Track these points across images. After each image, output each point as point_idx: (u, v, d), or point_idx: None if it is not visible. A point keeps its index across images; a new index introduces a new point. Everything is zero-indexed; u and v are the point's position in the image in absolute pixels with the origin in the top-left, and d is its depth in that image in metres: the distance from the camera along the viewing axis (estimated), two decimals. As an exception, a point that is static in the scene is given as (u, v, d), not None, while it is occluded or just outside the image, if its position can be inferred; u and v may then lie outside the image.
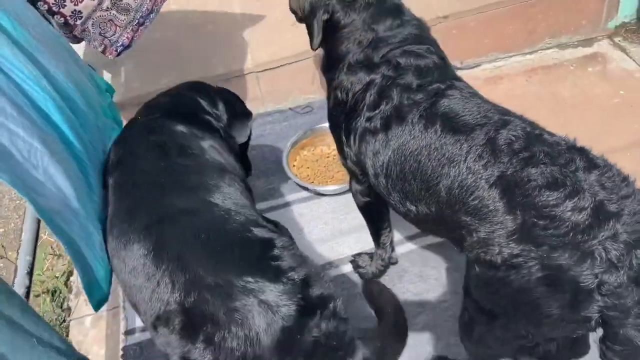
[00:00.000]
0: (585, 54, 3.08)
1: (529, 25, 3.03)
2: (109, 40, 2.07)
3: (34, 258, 1.90)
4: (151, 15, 2.24)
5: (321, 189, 2.43)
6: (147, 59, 2.90)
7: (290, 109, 2.93)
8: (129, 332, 2.11)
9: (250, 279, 1.27)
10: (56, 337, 1.42)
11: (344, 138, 1.73)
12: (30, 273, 1.83)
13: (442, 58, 1.68)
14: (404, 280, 2.11)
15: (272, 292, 1.27)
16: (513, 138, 1.36)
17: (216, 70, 2.77)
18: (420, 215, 1.54)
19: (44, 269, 2.49)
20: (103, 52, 2.18)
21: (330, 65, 1.78)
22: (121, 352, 2.06)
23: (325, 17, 1.70)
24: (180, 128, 1.76)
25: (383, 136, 1.56)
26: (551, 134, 1.40)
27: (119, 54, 2.18)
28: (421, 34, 1.70)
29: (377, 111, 1.58)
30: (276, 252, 1.38)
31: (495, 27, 2.99)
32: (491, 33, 3.01)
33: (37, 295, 2.34)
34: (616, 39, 3.14)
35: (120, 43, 2.14)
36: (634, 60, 3.00)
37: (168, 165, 1.62)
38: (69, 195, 1.40)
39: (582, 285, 1.17)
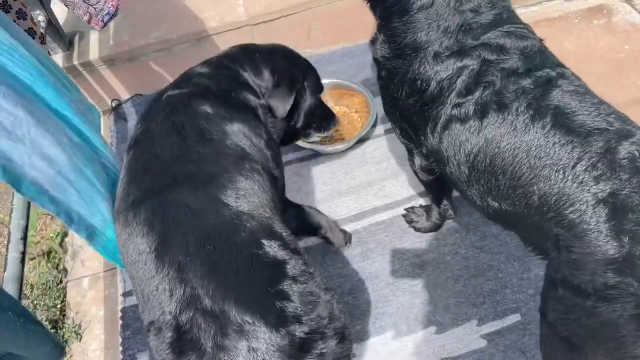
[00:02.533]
0: (590, 6, 2.98)
1: (534, -24, 2.92)
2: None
3: (27, 222, 1.85)
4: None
5: (319, 148, 2.38)
6: (136, 11, 2.77)
7: (286, 64, 2.83)
8: (127, 294, 2.10)
9: (248, 319, 1.16)
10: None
11: (418, 126, 1.57)
12: (24, 238, 1.79)
13: (540, 40, 1.48)
14: (404, 241, 2.09)
15: (265, 342, 1.15)
16: (637, 154, 1.18)
17: (209, 24, 2.66)
18: (500, 213, 1.41)
19: (38, 229, 2.46)
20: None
21: (398, 54, 1.53)
22: (120, 314, 2.06)
23: None
24: (206, 108, 1.60)
25: (476, 123, 1.38)
26: None
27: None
28: (512, 13, 1.51)
29: (470, 97, 1.39)
30: (285, 285, 1.24)
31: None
32: (494, -16, 2.89)
33: (32, 258, 2.32)
34: (623, -9, 3.04)
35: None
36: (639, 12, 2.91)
37: (183, 153, 1.48)
38: (62, 164, 1.34)
39: None
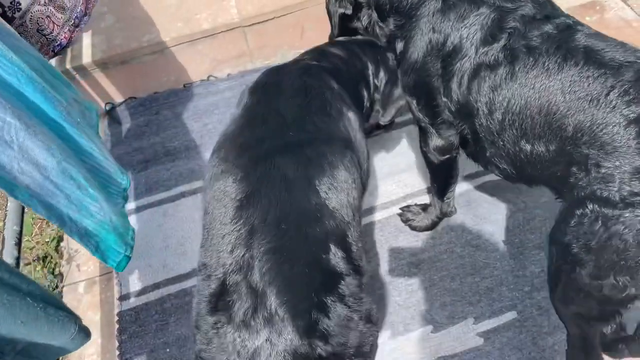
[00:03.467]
0: (582, 3, 2.98)
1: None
2: (46, 38, 1.98)
3: (21, 228, 1.85)
4: (85, 18, 2.19)
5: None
6: (128, 14, 2.76)
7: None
8: (123, 298, 2.09)
9: (280, 313, 1.16)
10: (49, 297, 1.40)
11: (440, 88, 1.62)
12: (18, 244, 1.78)
13: None
14: (400, 240, 2.09)
15: (285, 342, 1.15)
16: None
17: (202, 26, 2.65)
18: (533, 155, 1.49)
19: (33, 234, 2.45)
20: (39, 50, 2.08)
21: (399, 10, 1.65)
22: (116, 318, 2.05)
23: None
24: (333, 85, 1.62)
25: (507, 68, 1.47)
26: None
27: (55, 54, 2.08)
28: None
29: (496, 44, 1.48)
30: (330, 300, 1.22)
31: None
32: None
33: (28, 264, 2.31)
34: (615, -13, 3.04)
35: (58, 42, 2.06)
36: (632, 9, 2.91)
37: (302, 119, 1.49)
38: (52, 169, 1.34)
39: None
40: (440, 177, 1.95)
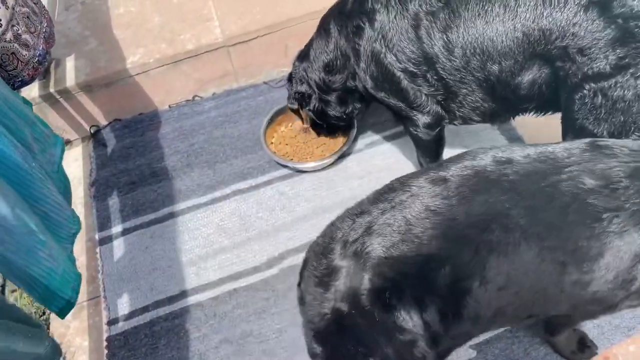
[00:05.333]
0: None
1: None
2: (8, 74, 1.98)
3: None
4: (47, 56, 2.26)
5: (301, 166, 2.38)
6: (112, 36, 2.76)
7: (264, 82, 2.84)
8: (111, 322, 2.06)
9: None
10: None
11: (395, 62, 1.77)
12: (2, 271, 1.75)
13: None
14: (389, 254, 2.09)
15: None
16: None
17: (186, 46, 2.65)
18: (503, 74, 1.62)
19: (19, 261, 2.41)
20: None
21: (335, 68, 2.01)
22: (105, 343, 2.02)
23: None
24: None
25: (447, 10, 1.62)
26: None
27: (15, 89, 2.07)
28: None
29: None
30: None
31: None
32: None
33: (14, 290, 2.27)
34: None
35: (20, 79, 2.07)
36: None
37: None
38: (6, 215, 1.31)
39: None
40: (432, 151, 2.07)
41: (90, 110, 2.70)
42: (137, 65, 2.62)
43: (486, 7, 1.57)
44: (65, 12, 2.94)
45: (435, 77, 1.75)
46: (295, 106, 2.25)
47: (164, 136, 2.64)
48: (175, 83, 2.75)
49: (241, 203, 2.33)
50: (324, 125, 2.33)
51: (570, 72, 1.48)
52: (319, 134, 2.44)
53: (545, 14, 1.49)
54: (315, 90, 2.11)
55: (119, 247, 2.27)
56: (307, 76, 2.10)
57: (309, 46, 2.09)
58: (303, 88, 2.15)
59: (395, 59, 1.76)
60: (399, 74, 1.78)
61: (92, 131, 2.72)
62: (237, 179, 2.42)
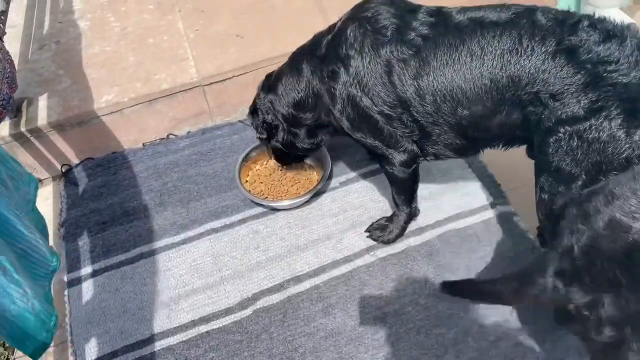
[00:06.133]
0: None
1: None
2: None
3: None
4: (11, 100, 2.32)
5: (276, 204, 2.37)
6: (86, 75, 2.76)
7: (240, 121, 2.86)
8: (78, 368, 1.99)
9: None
10: None
11: (372, 104, 1.79)
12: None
13: None
14: (364, 293, 2.07)
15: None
16: (551, 16, 1.55)
17: (161, 86, 2.67)
18: (473, 117, 1.66)
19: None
20: None
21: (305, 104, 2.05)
22: (71, 391, 1.94)
23: None
24: None
25: (417, 58, 1.67)
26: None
27: None
28: None
29: (392, 39, 1.71)
30: None
31: None
32: None
33: (-25, 336, 2.18)
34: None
35: None
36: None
37: None
38: None
39: None
40: (408, 187, 2.10)
41: (62, 149, 2.67)
42: (111, 104, 2.61)
43: (454, 56, 1.62)
44: (39, 51, 2.94)
45: (410, 119, 1.79)
46: (265, 135, 2.24)
47: (137, 175, 2.62)
48: (149, 121, 2.75)
49: (215, 242, 2.30)
50: (290, 156, 2.35)
51: (544, 116, 1.51)
52: (284, 165, 2.46)
53: (512, 62, 1.54)
54: (283, 122, 2.13)
55: (87, 289, 2.20)
56: (275, 109, 2.12)
57: (277, 80, 2.11)
58: (270, 118, 2.16)
59: (371, 102, 1.80)
60: (376, 116, 1.82)
61: (63, 170, 2.68)
62: (211, 217, 2.40)
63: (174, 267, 2.23)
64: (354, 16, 1.83)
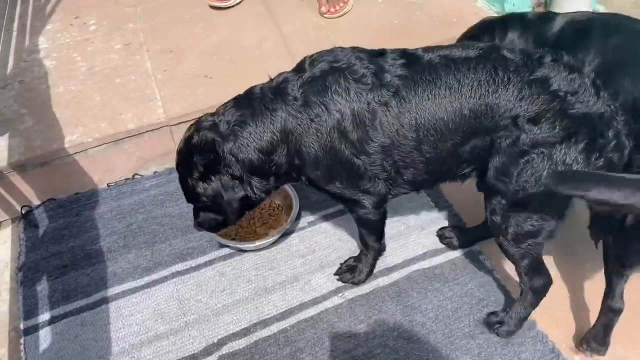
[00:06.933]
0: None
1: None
2: None
3: None
4: None
5: (243, 245, 2.34)
6: (50, 114, 2.72)
7: (207, 161, 2.83)
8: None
9: None
10: None
11: (353, 152, 1.78)
12: None
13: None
14: (333, 336, 2.04)
15: None
16: (517, 51, 1.68)
17: (127, 125, 2.64)
18: (452, 145, 1.72)
19: None
20: None
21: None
22: None
23: None
24: None
25: (397, 98, 1.70)
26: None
27: None
28: None
29: (371, 86, 1.71)
30: None
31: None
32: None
33: None
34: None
35: None
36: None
37: None
38: None
39: None
40: (379, 227, 2.11)
41: (22, 190, 2.59)
42: (75, 144, 2.57)
43: (433, 91, 1.67)
44: (1, 91, 2.90)
45: (390, 162, 1.80)
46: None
47: (101, 216, 2.56)
48: (115, 161, 2.71)
49: (179, 285, 2.25)
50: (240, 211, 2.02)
51: (520, 139, 1.60)
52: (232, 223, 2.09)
53: (490, 91, 1.63)
54: (246, 172, 1.86)
55: (45, 337, 2.11)
56: (237, 158, 1.82)
57: (234, 126, 1.81)
58: (236, 171, 1.86)
59: (354, 148, 1.77)
60: (357, 162, 1.79)
61: (23, 212, 2.60)
62: (176, 260, 2.35)
63: (137, 312, 2.16)
64: (330, 66, 1.76)
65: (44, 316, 2.17)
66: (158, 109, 2.72)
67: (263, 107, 1.83)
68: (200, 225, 2.04)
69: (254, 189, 1.88)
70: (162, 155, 2.79)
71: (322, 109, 1.74)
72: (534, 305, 1.90)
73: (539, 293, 1.87)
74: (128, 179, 2.75)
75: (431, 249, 2.31)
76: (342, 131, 1.75)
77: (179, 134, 2.72)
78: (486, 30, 2.15)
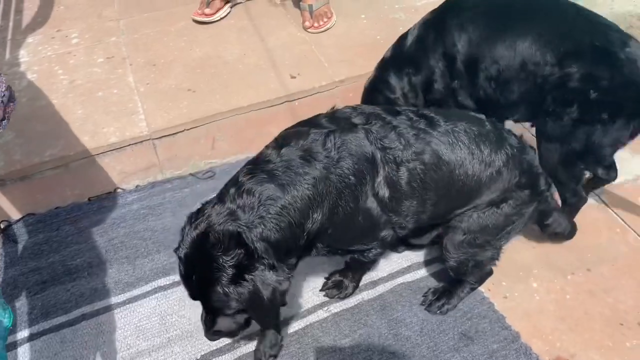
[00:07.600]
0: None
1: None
2: None
3: None
4: (4, 122, 2.16)
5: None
6: (31, 128, 2.68)
7: (191, 174, 2.82)
8: None
9: None
10: None
11: (382, 215, 1.79)
12: None
13: None
14: (318, 351, 2.03)
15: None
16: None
17: (109, 139, 2.62)
18: (454, 192, 1.83)
19: None
20: None
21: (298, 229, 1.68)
22: None
23: None
24: None
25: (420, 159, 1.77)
26: None
27: None
28: None
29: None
30: None
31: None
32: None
33: None
34: None
35: None
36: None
37: None
38: None
39: None
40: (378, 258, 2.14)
41: (1, 205, 2.55)
42: (56, 158, 2.54)
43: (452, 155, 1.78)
44: (-19, 104, 2.85)
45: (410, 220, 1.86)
46: None
47: (82, 231, 2.52)
48: (97, 175, 2.68)
49: (162, 301, 2.22)
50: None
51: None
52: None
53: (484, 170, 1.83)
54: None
55: (24, 354, 2.06)
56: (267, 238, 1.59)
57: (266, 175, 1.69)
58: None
59: (387, 209, 1.78)
60: (382, 220, 1.79)
61: (2, 226, 2.55)
62: (159, 274, 2.32)
63: (118, 329, 2.12)
64: (368, 130, 1.72)
65: (23, 333, 2.12)
66: (141, 123, 2.71)
67: (303, 157, 1.69)
68: (217, 334, 1.71)
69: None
70: (145, 169, 2.77)
71: (367, 171, 1.73)
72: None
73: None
74: (109, 192, 2.72)
75: (415, 262, 2.32)
76: (377, 196, 1.73)
77: (162, 147, 2.72)
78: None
